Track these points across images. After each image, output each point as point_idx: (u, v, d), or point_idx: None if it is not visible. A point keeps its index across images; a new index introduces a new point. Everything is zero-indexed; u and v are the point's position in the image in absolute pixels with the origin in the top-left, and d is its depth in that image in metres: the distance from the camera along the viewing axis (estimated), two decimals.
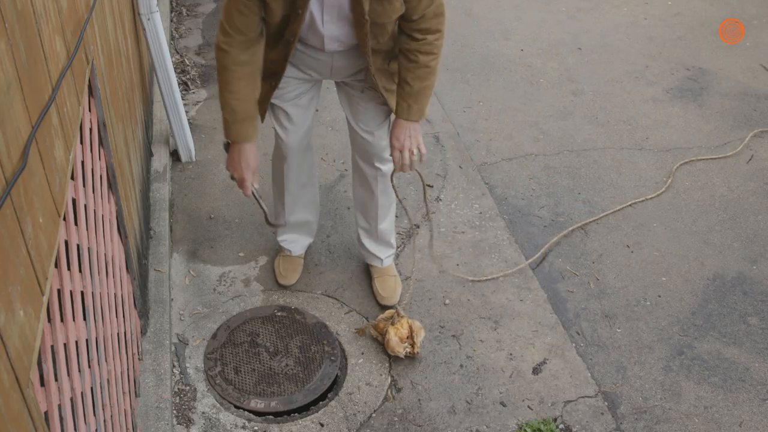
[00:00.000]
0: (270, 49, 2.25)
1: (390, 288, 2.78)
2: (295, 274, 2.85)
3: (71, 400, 1.45)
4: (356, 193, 2.72)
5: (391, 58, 2.31)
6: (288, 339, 2.65)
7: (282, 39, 2.20)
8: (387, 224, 2.74)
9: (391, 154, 2.35)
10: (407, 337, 2.52)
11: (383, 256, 2.80)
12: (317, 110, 3.88)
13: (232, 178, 2.32)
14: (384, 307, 2.75)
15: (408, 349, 2.51)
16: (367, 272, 2.90)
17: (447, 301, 2.81)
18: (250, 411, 2.43)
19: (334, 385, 2.54)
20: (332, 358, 2.58)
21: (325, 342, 2.63)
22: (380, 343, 2.59)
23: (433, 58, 2.21)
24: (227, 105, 2.19)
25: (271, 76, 2.30)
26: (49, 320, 1.34)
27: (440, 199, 3.32)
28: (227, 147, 2.31)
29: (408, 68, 2.22)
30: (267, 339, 2.65)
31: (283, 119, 2.48)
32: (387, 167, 2.56)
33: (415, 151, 2.31)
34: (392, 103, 2.36)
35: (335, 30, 2.17)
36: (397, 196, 2.63)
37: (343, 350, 2.61)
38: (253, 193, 2.33)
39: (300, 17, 2.11)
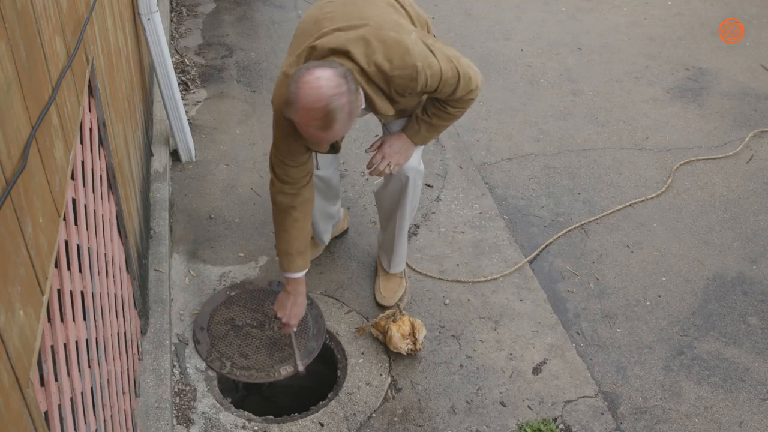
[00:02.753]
0: None
1: (392, 289, 2.78)
2: (311, 256, 2.85)
3: (71, 400, 1.45)
4: (382, 195, 2.67)
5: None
6: (260, 308, 2.73)
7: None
8: (403, 234, 2.70)
9: (374, 152, 2.39)
10: (409, 334, 2.52)
11: (391, 264, 2.78)
12: None
13: (275, 317, 2.49)
14: (383, 307, 2.75)
15: (410, 346, 2.51)
16: (367, 272, 2.90)
17: (447, 301, 2.81)
18: (281, 379, 2.52)
19: (334, 385, 2.54)
20: (307, 302, 2.62)
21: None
22: (381, 342, 2.59)
23: (460, 112, 2.30)
24: (282, 242, 2.37)
25: None
26: (49, 320, 1.34)
27: (440, 199, 3.32)
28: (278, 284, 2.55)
29: (434, 105, 2.29)
30: (244, 318, 2.69)
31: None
32: (414, 174, 2.52)
33: (393, 165, 2.38)
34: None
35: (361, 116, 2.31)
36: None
37: (343, 350, 2.61)
38: (291, 335, 2.57)
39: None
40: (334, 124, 1.93)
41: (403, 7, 2.28)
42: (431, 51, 2.09)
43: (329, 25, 2.08)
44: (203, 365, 2.51)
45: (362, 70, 2.03)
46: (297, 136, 2.13)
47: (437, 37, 2.34)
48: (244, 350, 2.59)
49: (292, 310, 2.44)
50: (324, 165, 2.58)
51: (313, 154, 2.46)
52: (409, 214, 2.62)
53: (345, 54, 2.02)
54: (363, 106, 2.10)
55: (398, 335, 2.50)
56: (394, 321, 2.53)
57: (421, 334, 2.53)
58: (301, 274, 2.40)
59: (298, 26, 2.24)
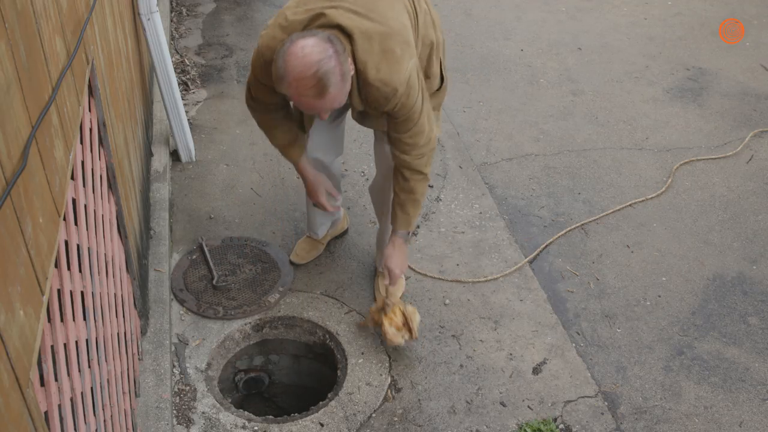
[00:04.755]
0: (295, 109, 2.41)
1: (392, 291, 2.77)
2: (309, 256, 2.92)
3: (71, 400, 1.45)
4: (372, 190, 2.73)
5: None
6: (224, 259, 2.92)
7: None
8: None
9: (386, 271, 2.49)
10: (403, 324, 2.49)
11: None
12: None
13: (314, 202, 2.57)
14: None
15: (406, 337, 2.50)
16: (367, 272, 2.90)
17: (447, 301, 2.81)
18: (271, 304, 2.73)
19: (334, 385, 2.54)
20: (262, 239, 2.96)
21: (244, 240, 3.00)
22: (375, 327, 2.59)
23: (421, 180, 2.33)
24: (271, 139, 2.43)
25: (301, 127, 2.47)
26: (49, 320, 1.34)
27: (440, 199, 3.32)
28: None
29: (396, 181, 2.36)
30: (215, 271, 2.84)
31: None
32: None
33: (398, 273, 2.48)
34: None
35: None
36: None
37: (343, 350, 2.61)
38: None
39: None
40: (329, 89, 1.91)
41: (417, 20, 2.25)
42: (418, 85, 2.11)
43: (351, 1, 2.03)
44: (203, 365, 2.51)
45: (354, 60, 2.02)
46: (271, 89, 2.12)
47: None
48: (229, 294, 2.77)
49: (311, 190, 2.50)
50: (319, 147, 2.57)
51: (305, 118, 2.50)
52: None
53: (348, 37, 1.99)
54: (352, 73, 2.05)
55: (392, 330, 2.48)
56: (385, 314, 2.50)
57: (415, 321, 2.50)
58: (301, 159, 2.44)
59: None
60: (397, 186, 2.35)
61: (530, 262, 3.01)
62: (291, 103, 2.36)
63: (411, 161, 2.26)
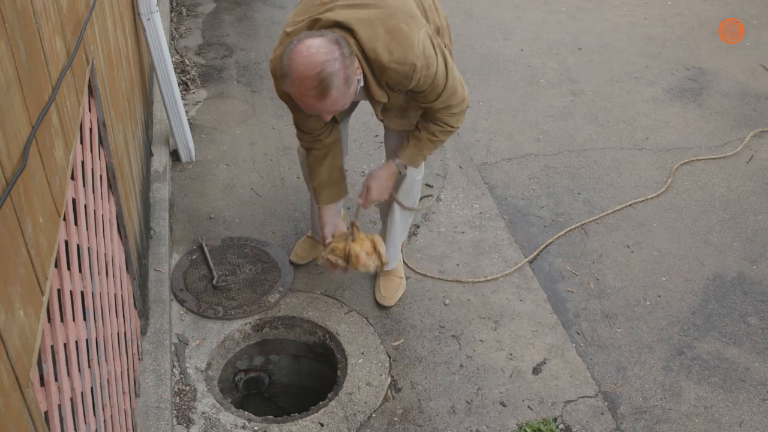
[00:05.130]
0: None
1: (392, 289, 2.78)
2: (309, 256, 2.91)
3: (71, 400, 1.45)
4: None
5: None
6: (224, 259, 2.93)
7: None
8: (397, 230, 2.71)
9: (364, 187, 2.41)
10: (373, 250, 2.40)
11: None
12: None
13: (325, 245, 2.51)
14: (383, 307, 2.75)
15: (377, 262, 2.41)
16: (367, 273, 2.90)
17: (447, 301, 2.81)
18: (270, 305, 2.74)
19: (334, 385, 2.54)
20: (262, 239, 3.00)
21: (244, 240, 3.02)
22: (342, 267, 2.43)
23: (451, 131, 2.30)
24: (314, 177, 2.43)
25: None
26: (49, 320, 1.34)
27: (440, 199, 3.32)
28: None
29: (423, 119, 2.31)
30: (214, 271, 2.84)
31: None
32: (414, 173, 2.53)
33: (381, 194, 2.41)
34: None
35: (360, 98, 2.32)
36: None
37: (343, 350, 2.61)
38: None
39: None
40: (331, 91, 1.90)
41: (423, 3, 2.23)
42: (435, 51, 2.07)
43: (343, 1, 2.02)
44: (203, 365, 2.51)
45: (363, 52, 2.00)
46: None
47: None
48: (229, 294, 2.77)
49: (324, 233, 2.47)
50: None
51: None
52: (402, 211, 2.61)
53: (349, 31, 1.98)
54: (359, 77, 2.05)
55: (363, 253, 2.38)
56: (353, 240, 2.40)
57: (383, 247, 2.42)
58: (325, 206, 2.45)
59: None
60: (422, 123, 2.30)
61: (530, 262, 3.01)
62: None
63: (445, 118, 2.24)
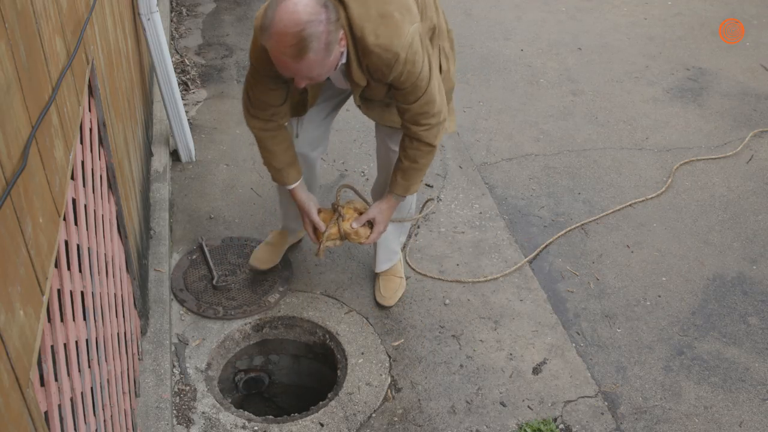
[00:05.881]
0: (294, 92, 2.35)
1: (392, 289, 2.78)
2: (270, 263, 2.84)
3: (71, 400, 1.45)
4: (375, 190, 2.71)
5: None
6: (224, 259, 2.93)
7: (302, 97, 2.35)
8: (390, 232, 2.68)
9: (374, 225, 2.42)
10: (360, 218, 2.41)
11: (376, 261, 2.78)
12: None
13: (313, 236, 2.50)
14: (383, 307, 2.75)
15: (370, 231, 2.43)
16: (367, 272, 2.90)
17: (447, 301, 2.81)
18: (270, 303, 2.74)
19: (334, 385, 2.54)
20: (262, 239, 2.97)
21: (244, 240, 3.02)
22: (339, 245, 2.48)
23: (429, 150, 2.26)
24: (267, 160, 2.37)
25: (296, 112, 2.42)
26: (49, 320, 1.34)
27: (440, 199, 3.32)
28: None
29: (402, 146, 2.30)
30: (214, 271, 2.84)
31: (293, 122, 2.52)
32: None
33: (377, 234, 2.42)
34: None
35: (341, 84, 2.30)
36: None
37: (343, 350, 2.61)
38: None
39: (318, 88, 2.30)
40: (308, 53, 1.85)
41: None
42: (423, 52, 2.04)
43: None
44: (203, 365, 2.51)
45: (351, 28, 1.96)
46: (270, 67, 2.05)
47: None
48: (229, 294, 2.77)
49: (306, 220, 2.45)
50: (308, 142, 2.53)
51: (294, 121, 2.47)
52: (398, 210, 2.59)
53: (341, 3, 1.93)
54: (342, 50, 1.99)
55: (359, 227, 2.41)
56: (344, 219, 2.40)
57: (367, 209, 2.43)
58: (296, 184, 2.40)
59: None
60: (403, 152, 2.29)
61: (530, 262, 3.01)
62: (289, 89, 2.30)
63: (419, 132, 2.20)
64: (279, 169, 2.36)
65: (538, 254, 3.05)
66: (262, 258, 2.84)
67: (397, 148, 2.42)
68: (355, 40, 1.98)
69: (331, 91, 2.45)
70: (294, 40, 1.82)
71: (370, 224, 2.42)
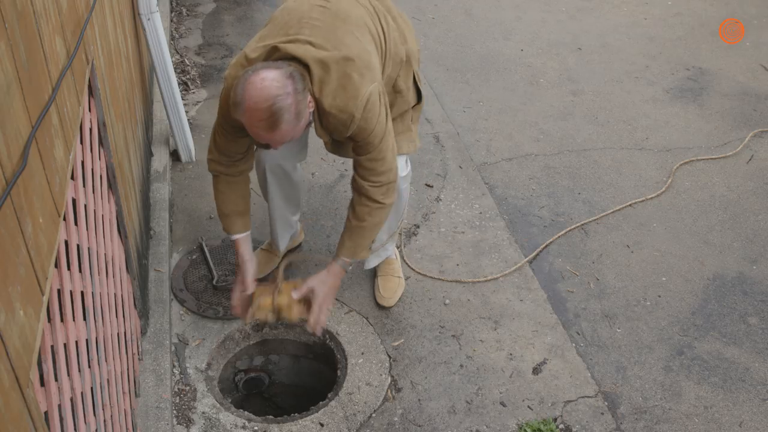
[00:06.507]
0: None
1: (391, 289, 2.78)
2: (266, 269, 2.84)
3: (71, 400, 1.45)
4: None
5: None
6: (225, 259, 2.91)
7: None
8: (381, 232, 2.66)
9: (314, 308, 2.26)
10: (298, 300, 2.25)
11: (366, 260, 2.75)
12: None
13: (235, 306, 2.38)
14: (383, 308, 2.76)
15: (306, 315, 2.27)
16: (367, 272, 2.90)
17: (447, 301, 2.81)
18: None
19: (334, 385, 2.54)
20: (262, 239, 2.94)
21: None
22: (273, 320, 2.30)
23: (377, 209, 2.24)
24: (220, 205, 2.37)
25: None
26: (49, 320, 1.34)
27: (440, 199, 3.32)
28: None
29: (351, 204, 2.29)
30: (214, 271, 2.84)
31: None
32: (399, 183, 2.51)
33: (327, 308, 2.29)
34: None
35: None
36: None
37: (343, 350, 2.61)
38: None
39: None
40: (280, 125, 1.92)
41: (385, 41, 2.24)
42: (380, 109, 2.08)
43: (307, 34, 2.04)
44: (203, 365, 2.51)
45: (312, 91, 2.02)
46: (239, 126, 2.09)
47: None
48: (229, 294, 2.70)
49: (238, 279, 2.34)
50: (283, 154, 2.53)
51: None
52: (392, 214, 2.57)
53: (305, 67, 2.00)
54: (311, 110, 2.05)
55: (294, 304, 2.24)
56: (280, 293, 2.26)
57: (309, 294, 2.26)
58: (241, 236, 2.36)
59: (283, 9, 2.18)
60: (351, 210, 2.27)
61: (530, 262, 3.01)
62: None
63: (368, 188, 2.21)
64: (226, 214, 2.35)
65: (538, 254, 3.05)
66: (258, 265, 2.81)
67: None
68: (315, 101, 2.04)
69: None
70: (266, 114, 1.89)
71: (308, 306, 2.25)
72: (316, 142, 3.68)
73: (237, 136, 2.22)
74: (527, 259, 3.02)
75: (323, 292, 2.27)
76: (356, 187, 2.25)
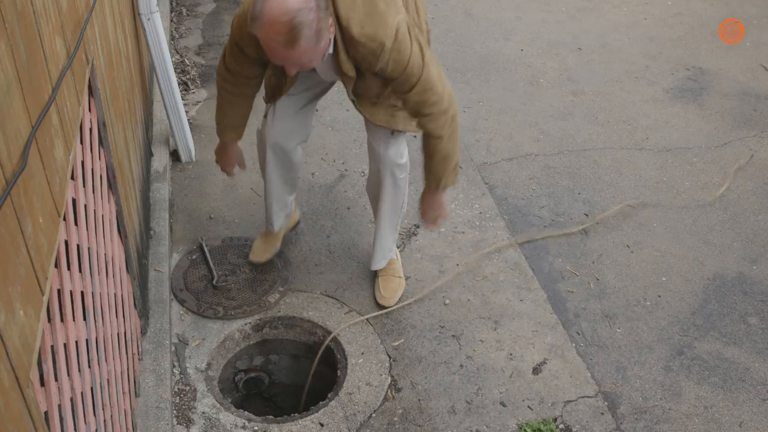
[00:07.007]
0: (270, 74, 2.40)
1: (392, 289, 2.78)
2: (267, 253, 2.87)
3: (71, 400, 1.45)
4: (368, 187, 2.74)
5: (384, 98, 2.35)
6: (225, 259, 2.93)
7: (278, 81, 2.39)
8: (385, 230, 2.70)
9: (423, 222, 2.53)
10: None
11: (372, 260, 2.78)
12: (317, 110, 3.88)
13: (217, 162, 2.71)
14: (382, 307, 2.75)
15: None
16: (367, 272, 2.90)
17: (447, 301, 2.81)
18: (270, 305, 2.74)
19: (334, 385, 2.54)
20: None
21: (244, 240, 3.02)
22: None
23: (438, 143, 2.24)
24: (217, 113, 2.51)
25: (271, 97, 2.48)
26: (49, 320, 1.34)
27: None
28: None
29: (423, 141, 2.30)
30: (214, 271, 2.84)
31: (269, 113, 2.55)
32: (392, 166, 2.53)
33: (441, 221, 2.49)
34: (392, 123, 2.39)
35: (329, 76, 2.33)
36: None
37: (343, 350, 2.61)
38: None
39: (291, 80, 2.34)
40: (299, 41, 1.87)
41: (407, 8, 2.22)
42: (411, 39, 2.04)
43: None
44: (203, 365, 2.51)
45: (337, 18, 1.99)
46: (253, 49, 2.12)
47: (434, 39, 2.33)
48: (229, 294, 2.77)
49: (222, 158, 2.64)
50: (283, 133, 2.54)
51: (269, 109, 2.51)
52: (390, 208, 2.60)
53: None
54: (331, 36, 2.01)
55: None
56: None
57: None
58: (234, 141, 2.58)
59: None
60: (423, 148, 2.30)
61: (520, 245, 3.01)
62: (267, 70, 2.36)
63: (423, 123, 2.19)
64: (222, 124, 2.51)
65: (529, 242, 3.05)
66: (258, 251, 2.88)
67: (379, 148, 2.46)
68: (342, 30, 2.00)
69: (310, 82, 2.46)
70: (285, 28, 1.85)
71: None
72: (315, 142, 3.68)
73: (246, 62, 2.24)
74: (519, 242, 3.01)
75: (429, 212, 2.47)
76: (420, 126, 2.23)
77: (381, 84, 2.20)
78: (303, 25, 1.85)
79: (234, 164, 2.67)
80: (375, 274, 2.86)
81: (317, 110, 3.65)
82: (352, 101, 2.33)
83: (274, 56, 1.97)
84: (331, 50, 2.06)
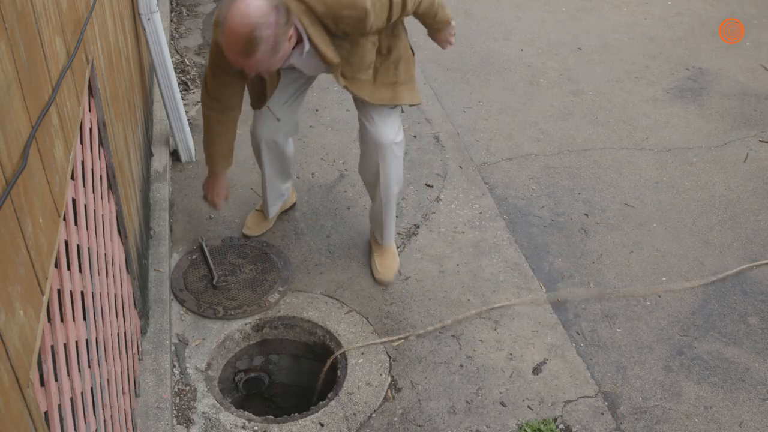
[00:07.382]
0: (253, 81, 2.50)
1: (387, 265, 2.86)
2: (260, 228, 3.01)
3: (71, 400, 1.45)
4: (361, 168, 2.77)
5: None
6: (225, 259, 2.93)
7: (261, 86, 2.49)
8: (391, 203, 2.76)
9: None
10: None
11: (384, 236, 2.86)
12: (317, 110, 3.88)
13: (205, 197, 2.79)
14: (383, 307, 2.75)
15: None
16: (367, 272, 2.90)
17: (447, 301, 2.81)
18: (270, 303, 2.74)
19: (334, 385, 2.54)
20: (262, 239, 3.02)
21: (244, 240, 3.03)
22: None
23: (432, 10, 2.40)
24: (207, 144, 2.61)
25: (257, 102, 2.57)
26: (49, 320, 1.34)
27: (440, 199, 3.32)
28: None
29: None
30: (215, 271, 2.85)
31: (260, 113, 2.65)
32: (390, 144, 2.58)
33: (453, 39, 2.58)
34: (380, 96, 2.46)
35: (314, 70, 2.43)
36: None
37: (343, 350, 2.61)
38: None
39: (275, 78, 2.42)
40: (255, 53, 1.98)
41: None
42: None
43: None
44: (203, 365, 2.51)
45: (310, 9, 2.08)
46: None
47: None
48: (229, 294, 2.78)
49: (213, 190, 2.72)
50: (272, 129, 2.66)
51: (268, 109, 2.59)
52: (394, 183, 2.69)
53: None
54: (307, 49, 2.14)
55: None
56: None
57: None
58: (224, 172, 2.68)
59: None
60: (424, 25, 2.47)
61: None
62: (248, 79, 2.44)
63: (428, 13, 2.37)
64: (210, 154, 2.60)
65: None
66: (252, 225, 3.01)
67: (375, 128, 2.52)
68: (319, 16, 2.09)
69: (293, 77, 2.55)
70: (243, 39, 1.96)
71: None
72: (315, 142, 3.68)
73: (226, 80, 2.33)
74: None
75: (447, 37, 2.56)
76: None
77: (373, 45, 2.29)
78: (260, 40, 1.96)
79: (224, 195, 2.74)
80: (371, 252, 2.93)
81: (317, 110, 3.65)
82: (345, 87, 2.40)
83: (232, 60, 2.07)
84: (307, 47, 2.16)
